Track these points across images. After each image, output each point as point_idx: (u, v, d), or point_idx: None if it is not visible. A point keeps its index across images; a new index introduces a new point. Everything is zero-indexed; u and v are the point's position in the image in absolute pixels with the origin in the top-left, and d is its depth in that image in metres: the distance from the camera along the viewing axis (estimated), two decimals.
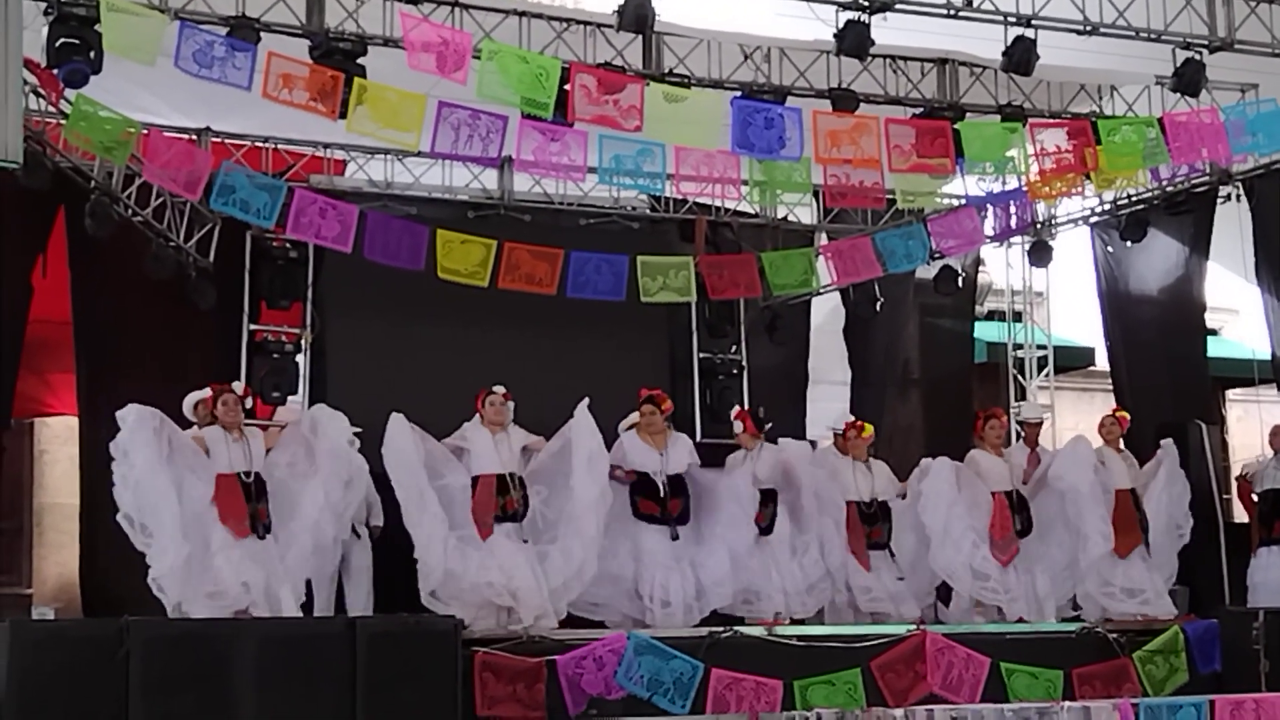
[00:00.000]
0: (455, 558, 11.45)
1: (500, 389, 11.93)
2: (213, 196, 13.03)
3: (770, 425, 13.33)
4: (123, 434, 10.74)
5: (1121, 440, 13.63)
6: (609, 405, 13.44)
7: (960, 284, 17.47)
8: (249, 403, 12.12)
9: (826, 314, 17.60)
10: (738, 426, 13.28)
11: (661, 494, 12.35)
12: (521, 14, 12.46)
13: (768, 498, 12.83)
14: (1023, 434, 14.68)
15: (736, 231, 16.74)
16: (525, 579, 11.46)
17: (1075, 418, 21.45)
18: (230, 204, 13.07)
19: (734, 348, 16.92)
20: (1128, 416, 13.96)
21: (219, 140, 14.67)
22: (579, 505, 11.68)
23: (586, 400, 11.90)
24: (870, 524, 13.33)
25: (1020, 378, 18.21)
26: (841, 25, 12.21)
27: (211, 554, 11.02)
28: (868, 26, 12.17)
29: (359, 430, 12.42)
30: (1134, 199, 16.36)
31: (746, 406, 15.23)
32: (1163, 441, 14.06)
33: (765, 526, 12.76)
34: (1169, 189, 16.01)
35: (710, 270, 15.19)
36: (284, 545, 11.32)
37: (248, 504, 11.15)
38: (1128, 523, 13.30)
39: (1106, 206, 16.75)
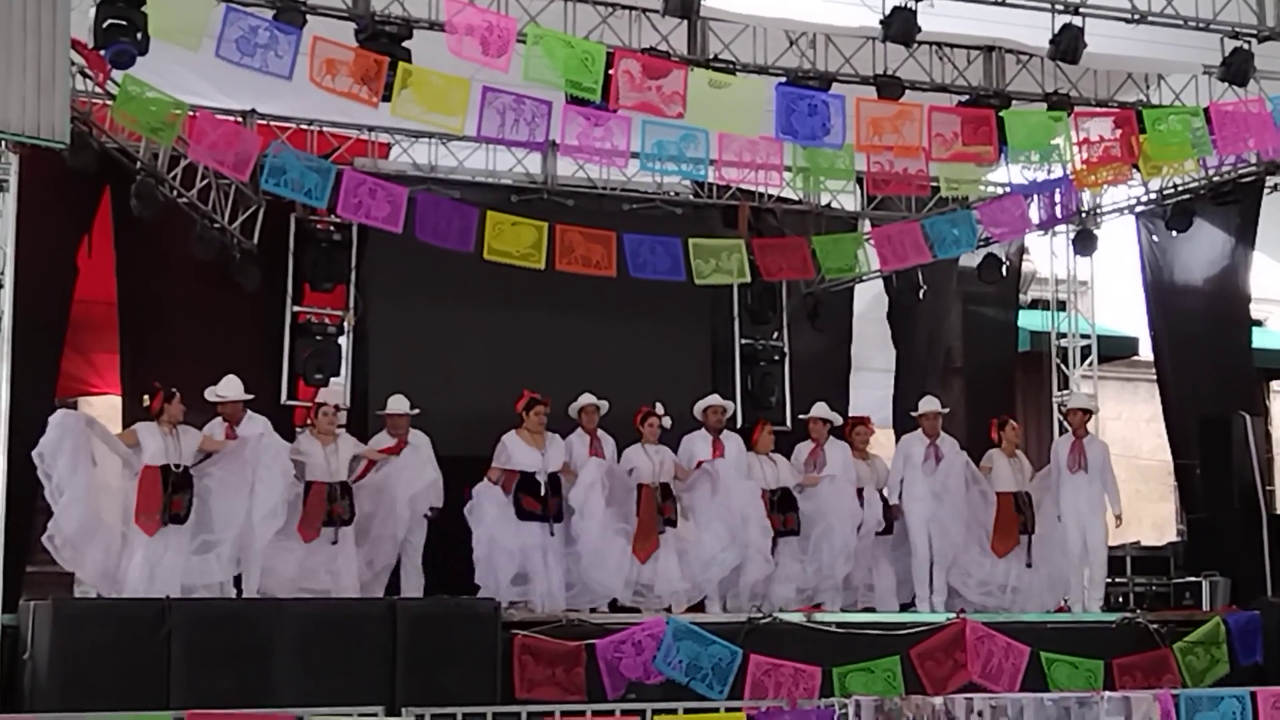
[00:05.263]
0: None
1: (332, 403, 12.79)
2: (264, 177, 13.09)
3: None
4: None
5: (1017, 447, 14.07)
6: (651, 391, 13.51)
7: (1004, 272, 17.35)
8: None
9: (869, 301, 17.53)
10: None
11: (542, 492, 12.65)
12: None
13: None
14: (1068, 424, 14.63)
15: (780, 217, 16.69)
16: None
17: (1119, 407, 21.36)
18: (282, 184, 13.11)
19: (776, 334, 16.85)
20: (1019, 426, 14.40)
21: (264, 122, 14.68)
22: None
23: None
24: None
25: (1064, 367, 18.09)
26: (888, 11, 12.18)
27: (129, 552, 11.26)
28: (914, 13, 12.14)
29: (417, 411, 12.69)
30: (1180, 188, 16.23)
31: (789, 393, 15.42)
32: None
33: None
34: (1215, 179, 15.88)
35: (762, 253, 15.11)
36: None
37: (164, 495, 11.31)
38: (1008, 525, 13.63)
39: (1152, 196, 16.59)
